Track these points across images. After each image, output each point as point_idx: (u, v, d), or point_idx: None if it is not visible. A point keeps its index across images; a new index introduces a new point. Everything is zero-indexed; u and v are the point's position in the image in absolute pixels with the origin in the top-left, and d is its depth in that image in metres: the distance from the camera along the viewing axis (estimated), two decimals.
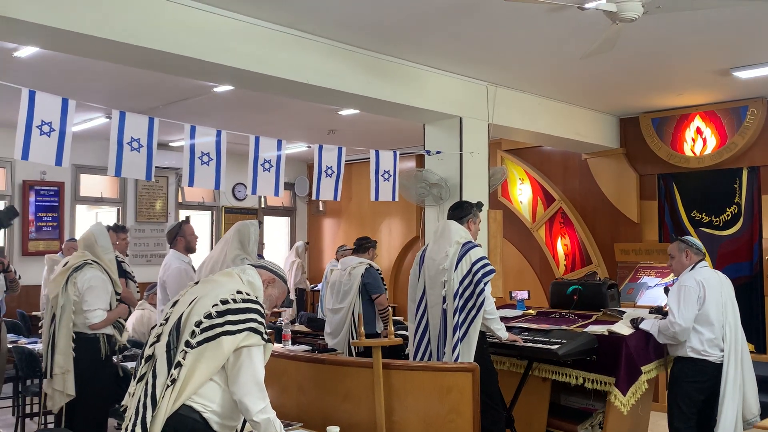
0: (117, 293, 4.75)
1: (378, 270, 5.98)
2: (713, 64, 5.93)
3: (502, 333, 4.37)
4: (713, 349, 4.30)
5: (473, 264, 4.23)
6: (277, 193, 4.98)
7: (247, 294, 2.74)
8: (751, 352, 4.81)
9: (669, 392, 4.49)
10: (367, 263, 5.95)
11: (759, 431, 4.04)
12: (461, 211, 4.56)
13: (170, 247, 5.47)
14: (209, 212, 11.05)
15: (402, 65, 5.71)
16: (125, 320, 4.91)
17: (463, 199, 5.91)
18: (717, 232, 7.50)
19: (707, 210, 7.63)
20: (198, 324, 2.61)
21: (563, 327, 4.66)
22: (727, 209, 7.47)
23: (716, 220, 7.57)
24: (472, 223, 4.55)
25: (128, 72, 5.89)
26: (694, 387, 4.34)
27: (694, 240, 4.60)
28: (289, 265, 10.50)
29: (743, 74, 6.10)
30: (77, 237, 6.30)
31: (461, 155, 6.18)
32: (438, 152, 6.20)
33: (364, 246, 6.21)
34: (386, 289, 6.06)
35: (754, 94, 7.02)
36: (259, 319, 2.68)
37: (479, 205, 4.68)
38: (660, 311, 4.74)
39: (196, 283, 2.90)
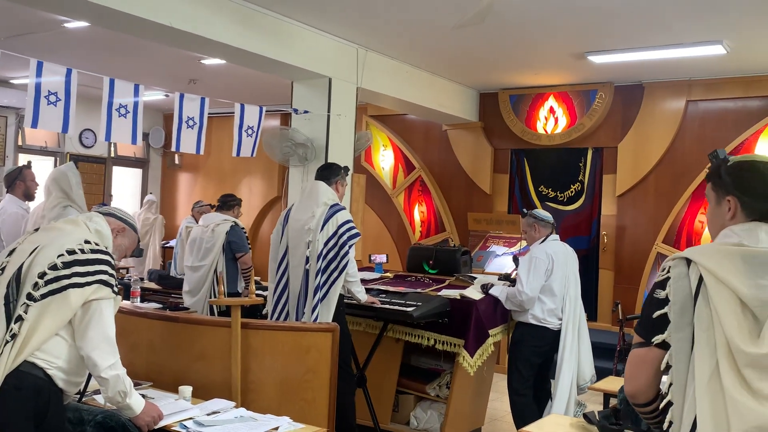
0: None
1: (243, 228, 5.83)
2: (571, 47, 6.26)
3: (361, 295, 4.44)
4: (552, 317, 4.60)
5: (339, 226, 4.24)
6: (135, 141, 4.76)
7: (96, 244, 2.57)
8: None
9: (510, 355, 4.76)
10: (232, 221, 5.77)
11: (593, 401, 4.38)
12: (330, 172, 4.54)
13: (7, 192, 5.08)
14: (52, 158, 10.24)
15: (274, 18, 5.53)
16: None
17: (329, 161, 5.88)
18: (561, 207, 8.00)
19: (554, 186, 8.12)
20: (42, 275, 2.42)
21: (419, 290, 4.80)
22: (572, 186, 7.99)
23: (561, 196, 8.07)
24: (340, 185, 4.55)
25: None
26: (533, 351, 4.63)
27: (542, 213, 4.81)
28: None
29: (596, 59, 6.49)
30: None
31: (329, 117, 6.12)
32: (306, 111, 6.10)
33: (229, 203, 5.96)
34: (250, 249, 5.93)
35: (604, 79, 7.50)
36: (110, 270, 2.54)
37: (346, 169, 4.68)
38: (509, 278, 4.98)
39: (36, 230, 2.68)
